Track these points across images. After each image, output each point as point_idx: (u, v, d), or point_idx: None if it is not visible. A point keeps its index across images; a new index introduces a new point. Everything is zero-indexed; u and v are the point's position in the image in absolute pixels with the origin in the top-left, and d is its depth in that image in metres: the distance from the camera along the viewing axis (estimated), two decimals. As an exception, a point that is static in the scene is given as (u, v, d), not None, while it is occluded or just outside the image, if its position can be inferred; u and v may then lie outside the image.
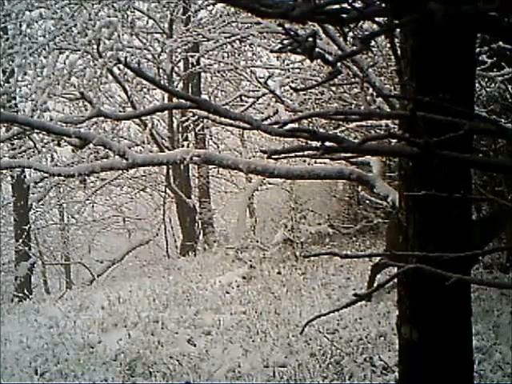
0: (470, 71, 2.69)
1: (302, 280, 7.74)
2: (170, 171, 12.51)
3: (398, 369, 2.89)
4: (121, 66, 10.03)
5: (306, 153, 2.01)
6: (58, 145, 8.18)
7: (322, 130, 8.23)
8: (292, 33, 1.65)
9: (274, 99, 8.40)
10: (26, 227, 13.22)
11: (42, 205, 15.12)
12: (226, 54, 12.34)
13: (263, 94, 10.51)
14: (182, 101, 2.20)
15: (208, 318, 6.28)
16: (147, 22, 12.05)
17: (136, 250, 15.51)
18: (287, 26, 1.71)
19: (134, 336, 5.83)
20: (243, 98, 12.13)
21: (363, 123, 6.86)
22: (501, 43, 6.14)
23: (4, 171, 11.91)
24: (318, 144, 1.86)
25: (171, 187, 12.78)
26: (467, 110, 2.32)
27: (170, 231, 15.68)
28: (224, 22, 10.70)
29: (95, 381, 4.84)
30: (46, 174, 9.94)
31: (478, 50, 6.12)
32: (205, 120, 11.58)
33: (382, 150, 2.45)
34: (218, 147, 14.63)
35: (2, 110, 9.47)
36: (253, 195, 13.75)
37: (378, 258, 6.26)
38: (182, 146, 11.20)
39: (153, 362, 5.03)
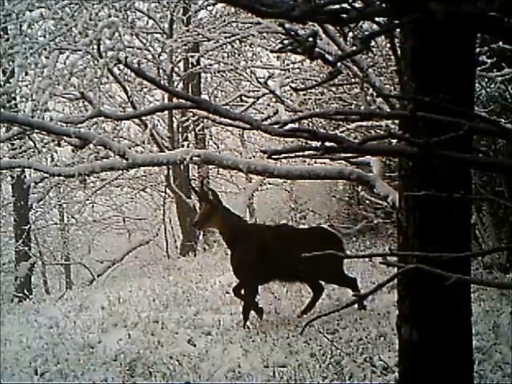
0: (470, 71, 2.69)
1: (302, 280, 7.73)
2: (170, 171, 12.50)
3: (398, 369, 2.88)
4: (121, 66, 10.03)
5: (306, 153, 2.02)
6: (58, 145, 8.19)
7: (322, 130, 8.23)
8: (292, 33, 1.65)
9: (274, 99, 8.41)
10: (26, 227, 13.22)
11: (42, 205, 15.11)
12: (226, 54, 12.34)
13: (263, 94, 10.51)
14: (182, 101, 2.20)
15: (208, 317, 6.27)
16: (147, 22, 12.05)
17: (136, 250, 15.50)
18: (287, 25, 1.72)
19: (134, 336, 5.83)
20: (243, 97, 12.12)
21: (363, 123, 6.86)
22: (501, 43, 6.15)
23: (4, 171, 11.91)
24: (318, 144, 1.86)
25: (171, 187, 12.77)
26: (467, 110, 2.32)
27: (170, 231, 15.68)
28: (224, 22, 10.70)
29: (95, 381, 4.83)
30: (45, 174, 9.96)
31: (478, 50, 6.13)
32: (205, 120, 11.57)
33: (382, 150, 2.45)
34: (218, 147, 14.62)
35: (2, 109, 9.47)
36: (253, 195, 13.75)
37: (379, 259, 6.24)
38: (182, 146, 11.18)
39: (153, 362, 5.02)
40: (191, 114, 11.57)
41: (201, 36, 10.65)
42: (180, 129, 12.54)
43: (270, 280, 6.17)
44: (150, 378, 4.79)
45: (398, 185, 2.93)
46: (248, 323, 5.88)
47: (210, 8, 12.15)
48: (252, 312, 6.20)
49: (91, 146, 5.85)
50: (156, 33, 12.10)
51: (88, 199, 14.47)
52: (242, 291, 6.03)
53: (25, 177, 12.98)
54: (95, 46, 8.93)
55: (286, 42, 1.70)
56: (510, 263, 7.25)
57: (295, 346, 5.11)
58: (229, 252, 6.39)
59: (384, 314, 5.80)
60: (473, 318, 2.78)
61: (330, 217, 13.49)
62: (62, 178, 11.81)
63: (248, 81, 11.48)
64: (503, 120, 6.73)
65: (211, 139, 14.58)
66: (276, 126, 1.94)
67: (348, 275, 6.32)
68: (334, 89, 9.00)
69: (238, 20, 10.44)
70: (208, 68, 12.63)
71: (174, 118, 12.37)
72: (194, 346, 5.45)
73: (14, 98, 10.85)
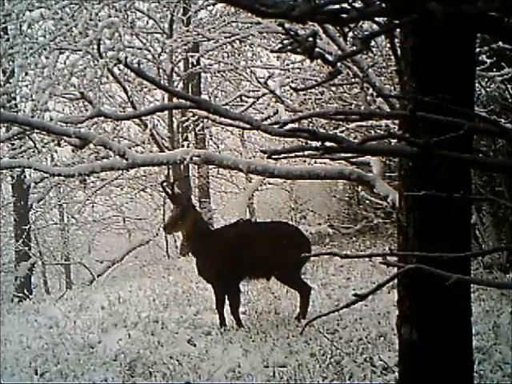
0: (470, 71, 2.69)
1: (302, 280, 7.72)
2: (170, 171, 12.49)
3: (398, 369, 2.88)
4: (121, 66, 10.03)
5: (306, 153, 2.02)
6: (58, 145, 8.19)
7: (322, 130, 8.24)
8: (292, 33, 1.65)
9: (274, 99, 8.40)
10: (26, 227, 13.22)
11: (42, 205, 15.12)
12: (225, 54, 12.34)
13: (263, 94, 10.50)
14: (182, 101, 2.20)
15: (208, 318, 6.27)
16: (147, 22, 12.05)
17: (136, 250, 15.49)
18: (287, 25, 1.72)
19: (134, 336, 5.83)
20: (243, 97, 12.12)
21: (363, 123, 6.86)
22: (501, 43, 6.15)
23: (4, 171, 11.92)
24: (318, 144, 1.86)
25: (171, 187, 12.74)
26: (467, 110, 2.32)
27: (170, 231, 15.63)
28: (224, 22, 10.71)
29: (95, 381, 4.83)
30: (46, 174, 9.95)
31: (478, 49, 6.13)
32: (205, 120, 11.57)
33: (382, 150, 2.45)
34: (218, 147, 14.61)
35: (2, 109, 9.48)
36: (253, 195, 13.74)
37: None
38: (182, 146, 11.17)
39: (153, 362, 5.02)
40: (191, 114, 11.56)
41: (201, 36, 10.65)
42: (180, 129, 12.53)
43: (242, 278, 6.09)
44: (150, 378, 4.79)
45: (398, 185, 2.93)
46: (248, 323, 5.89)
47: (210, 8, 12.16)
48: (252, 312, 6.20)
49: (91, 145, 5.85)
50: (156, 33, 12.09)
51: (88, 199, 14.47)
52: (227, 300, 5.96)
53: (25, 177, 12.99)
54: (95, 46, 8.94)
55: (285, 41, 1.70)
56: (510, 263, 7.25)
57: (295, 346, 5.11)
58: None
59: (384, 313, 5.80)
60: (473, 318, 2.78)
61: (330, 217, 13.49)
62: (62, 178, 11.81)
63: (248, 81, 11.48)
64: (503, 120, 6.73)
65: (211, 139, 14.57)
66: (276, 126, 1.94)
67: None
68: (334, 89, 9.00)
69: (238, 20, 10.44)
70: (208, 68, 12.63)
71: (174, 118, 12.35)
72: (194, 345, 5.45)
73: (14, 98, 10.86)
